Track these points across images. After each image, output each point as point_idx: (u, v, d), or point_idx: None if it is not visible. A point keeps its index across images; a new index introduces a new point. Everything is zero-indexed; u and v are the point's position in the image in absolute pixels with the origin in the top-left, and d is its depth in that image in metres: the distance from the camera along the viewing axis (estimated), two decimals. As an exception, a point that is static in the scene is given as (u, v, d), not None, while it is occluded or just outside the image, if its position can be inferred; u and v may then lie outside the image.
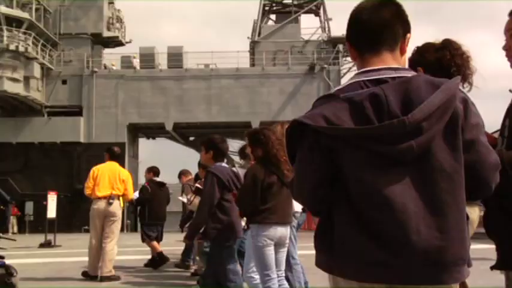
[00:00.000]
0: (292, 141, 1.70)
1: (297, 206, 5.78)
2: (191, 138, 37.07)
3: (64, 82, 33.13)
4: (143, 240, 10.26)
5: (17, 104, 31.88)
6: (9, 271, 6.30)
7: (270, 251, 4.75)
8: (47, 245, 16.45)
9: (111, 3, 35.75)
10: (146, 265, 10.03)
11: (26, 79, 31.16)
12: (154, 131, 35.61)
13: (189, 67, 33.52)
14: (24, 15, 31.16)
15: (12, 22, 30.56)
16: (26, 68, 31.09)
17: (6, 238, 6.88)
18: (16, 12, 30.98)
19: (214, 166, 5.37)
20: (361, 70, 1.72)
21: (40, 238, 17.15)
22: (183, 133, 35.56)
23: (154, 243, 10.10)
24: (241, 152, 5.39)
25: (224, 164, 5.38)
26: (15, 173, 31.07)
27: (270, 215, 4.74)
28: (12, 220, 29.66)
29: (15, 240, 7.31)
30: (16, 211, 29.81)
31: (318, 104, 1.69)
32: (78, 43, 33.98)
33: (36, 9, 32.96)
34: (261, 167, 4.81)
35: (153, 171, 10.72)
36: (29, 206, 29.03)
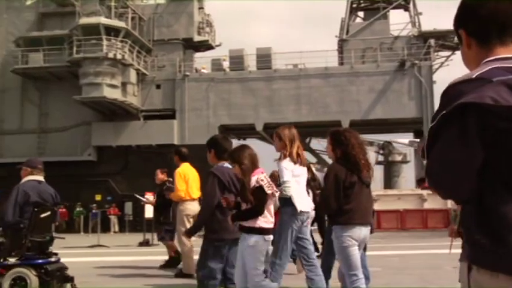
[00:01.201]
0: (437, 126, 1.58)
1: (310, 205, 6.01)
2: (281, 138, 37.30)
3: (158, 87, 34.44)
4: (163, 240, 10.55)
5: (115, 108, 33.54)
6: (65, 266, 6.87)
7: (355, 251, 4.80)
8: (145, 243, 17.20)
9: (201, 8, 36.74)
10: (163, 266, 10.15)
11: (123, 85, 32.72)
12: (244, 131, 36.17)
13: (277, 68, 33.81)
14: (121, 24, 32.70)
15: (111, 32, 32.15)
16: (123, 74, 32.64)
17: (59, 237, 7.40)
18: (114, 22, 32.56)
19: (216, 167, 5.55)
20: (497, 57, 1.63)
21: (139, 237, 17.97)
22: (273, 133, 35.85)
23: (174, 244, 10.39)
24: (231, 155, 5.07)
25: (227, 165, 5.42)
26: (115, 175, 32.70)
27: (353, 215, 4.78)
28: (113, 220, 31.27)
29: (63, 238, 7.76)
30: (116, 211, 31.39)
31: (468, 88, 1.55)
32: (171, 48, 35.18)
33: (132, 18, 34.49)
34: (341, 166, 4.85)
35: (166, 172, 11.03)
36: (128, 207, 30.45)
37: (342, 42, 34.95)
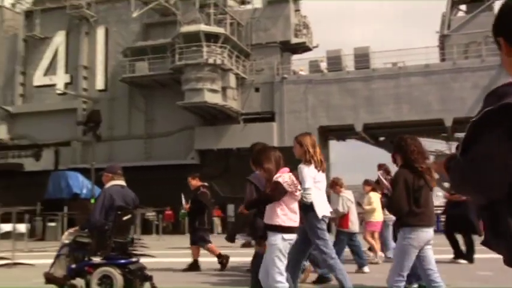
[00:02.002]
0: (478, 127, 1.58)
1: (327, 209, 6.26)
2: (381, 139, 36.71)
3: (257, 90, 35.01)
4: (196, 244, 10.57)
5: (216, 113, 34.50)
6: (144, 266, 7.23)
7: (415, 254, 4.94)
8: (247, 245, 17.58)
9: (297, 10, 36.95)
10: (187, 270, 10.17)
11: (224, 89, 33.58)
12: (343, 132, 35.92)
13: (376, 67, 33.29)
14: (220, 30, 33.61)
15: (210, 38, 33.13)
16: (223, 79, 33.51)
17: (138, 239, 7.75)
18: (213, 29, 33.53)
19: (253, 174, 5.70)
20: None
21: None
22: (372, 134, 35.37)
23: (213, 246, 10.44)
24: (253, 159, 5.20)
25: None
26: (217, 178, 33.59)
27: (423, 217, 4.95)
28: (216, 221, 32.17)
29: (142, 240, 8.09)
30: (219, 213, 32.24)
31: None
32: (268, 52, 35.64)
33: (230, 24, 35.34)
34: (408, 171, 4.99)
35: (198, 177, 10.99)
36: (231, 208, 31.12)
37: (443, 38, 33.80)
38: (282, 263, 4.86)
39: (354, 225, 9.79)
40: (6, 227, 16.44)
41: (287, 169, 5.03)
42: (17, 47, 40.10)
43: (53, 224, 23.88)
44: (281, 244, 4.83)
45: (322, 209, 6.13)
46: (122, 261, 7.01)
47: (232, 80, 33.95)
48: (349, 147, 72.80)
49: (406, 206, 4.92)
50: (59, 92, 38.62)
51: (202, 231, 10.63)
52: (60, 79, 39.13)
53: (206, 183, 11.12)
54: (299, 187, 5.00)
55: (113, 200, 7.16)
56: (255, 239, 5.86)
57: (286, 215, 4.85)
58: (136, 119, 37.08)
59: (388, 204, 5.32)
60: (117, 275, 6.83)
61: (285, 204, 4.86)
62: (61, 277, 7.06)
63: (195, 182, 10.96)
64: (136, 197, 7.62)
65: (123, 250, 7.15)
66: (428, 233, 4.98)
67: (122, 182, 7.52)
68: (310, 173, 5.94)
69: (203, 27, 33.23)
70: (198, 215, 10.69)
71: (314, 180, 6.00)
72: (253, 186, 5.72)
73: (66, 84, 38.88)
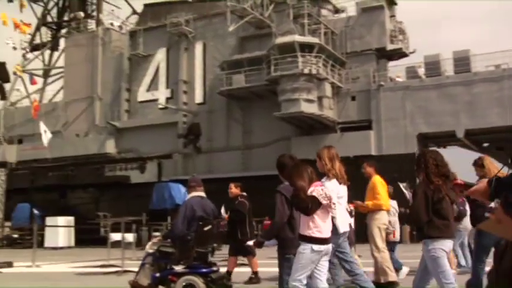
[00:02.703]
0: None
1: (348, 224, 6.56)
2: (485, 145, 35.17)
3: (353, 98, 34.70)
4: (245, 256, 10.44)
5: (312, 122, 34.57)
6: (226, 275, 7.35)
7: (446, 261, 5.20)
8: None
9: (392, 16, 36.35)
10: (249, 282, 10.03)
11: (319, 99, 33.59)
12: (444, 139, 34.77)
13: (477, 70, 32.00)
14: (315, 40, 33.73)
15: (305, 48, 33.32)
16: (319, 88, 33.54)
17: (218, 249, 7.91)
18: (308, 39, 33.72)
19: (282, 186, 5.92)
20: None
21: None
22: (476, 140, 33.96)
23: (256, 260, 10.25)
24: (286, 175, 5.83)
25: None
26: (315, 187, 33.59)
27: (444, 229, 5.16)
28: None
29: (220, 249, 8.24)
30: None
31: None
32: (364, 59, 35.27)
33: (325, 33, 35.35)
34: (428, 183, 5.23)
35: (240, 186, 10.80)
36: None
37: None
38: (304, 272, 5.14)
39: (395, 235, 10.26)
40: (116, 237, 17.39)
41: (319, 183, 5.34)
42: (123, 66, 42.34)
43: (157, 233, 24.92)
44: (310, 254, 5.11)
45: (343, 224, 6.50)
46: (204, 270, 7.24)
47: (328, 89, 33.88)
48: (449, 153, 69.82)
49: (424, 216, 5.11)
50: (160, 106, 40.31)
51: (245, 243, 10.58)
52: (162, 94, 40.85)
53: (245, 193, 11.12)
54: (333, 200, 5.25)
55: (194, 211, 7.44)
56: (280, 249, 6.09)
57: (318, 227, 5.13)
58: (234, 131, 37.92)
59: (408, 214, 5.64)
60: (200, 284, 7.07)
61: (318, 217, 5.12)
62: (146, 285, 7.42)
63: (235, 191, 10.98)
64: (216, 208, 7.90)
65: (204, 259, 7.40)
66: (450, 243, 5.20)
67: (202, 194, 7.81)
68: (333, 188, 6.02)
69: (298, 37, 33.49)
70: (238, 225, 10.58)
71: (337, 195, 6.13)
72: (283, 198, 5.86)
73: (167, 99, 40.51)
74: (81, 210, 37.40)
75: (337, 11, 39.02)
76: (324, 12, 37.24)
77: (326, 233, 5.17)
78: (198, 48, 39.91)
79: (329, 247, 5.25)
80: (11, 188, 38.98)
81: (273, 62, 33.53)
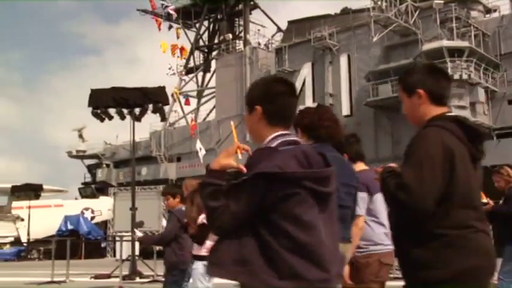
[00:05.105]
0: None
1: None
2: None
3: (510, 102, 32.70)
4: None
5: (466, 130, 33.01)
6: None
7: None
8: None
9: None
10: None
11: (472, 105, 32.10)
12: None
13: None
14: (464, 44, 32.34)
15: (454, 53, 32.09)
16: (471, 94, 32.06)
17: None
18: (456, 43, 32.44)
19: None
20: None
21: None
22: None
23: None
24: None
25: None
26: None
27: None
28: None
29: None
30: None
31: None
32: (520, 61, 33.12)
33: (475, 36, 33.75)
34: None
35: None
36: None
37: None
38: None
39: None
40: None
41: None
42: (270, 82, 43.67)
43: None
44: (202, 269, 5.81)
45: None
46: None
47: (481, 94, 32.26)
48: None
49: None
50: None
51: None
52: (309, 108, 41.48)
53: None
54: None
55: None
56: None
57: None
58: (382, 142, 37.39)
59: None
60: None
61: None
62: None
63: None
64: None
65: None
66: None
67: None
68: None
69: (446, 42, 32.35)
70: None
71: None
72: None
73: (315, 113, 41.01)
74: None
75: (488, 11, 37.07)
76: (473, 13, 35.52)
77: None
78: (343, 60, 40.03)
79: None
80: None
81: (421, 70, 32.60)
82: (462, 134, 2.57)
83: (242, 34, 52.40)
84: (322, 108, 3.99)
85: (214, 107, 50.43)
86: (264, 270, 2.16)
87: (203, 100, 55.26)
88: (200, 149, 38.03)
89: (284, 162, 2.20)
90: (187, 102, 53.26)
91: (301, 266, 2.16)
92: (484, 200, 7.15)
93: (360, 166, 4.87)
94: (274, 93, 2.40)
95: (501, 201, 7.11)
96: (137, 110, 18.24)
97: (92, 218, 38.25)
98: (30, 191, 44.88)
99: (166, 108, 51.60)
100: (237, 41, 51.42)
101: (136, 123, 18.33)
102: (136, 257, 17.43)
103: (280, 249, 2.18)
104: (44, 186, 47.26)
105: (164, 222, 13.88)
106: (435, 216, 2.45)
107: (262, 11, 54.48)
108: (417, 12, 35.97)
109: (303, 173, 2.22)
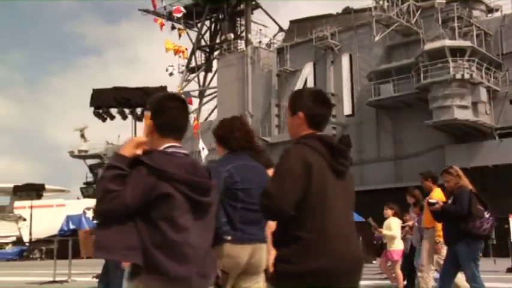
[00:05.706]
0: None
1: None
2: None
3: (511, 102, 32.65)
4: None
5: (467, 129, 32.98)
6: None
7: None
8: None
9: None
10: None
11: (474, 104, 32.04)
12: None
13: None
14: (466, 43, 32.28)
15: (456, 52, 32.03)
16: (473, 93, 32.00)
17: None
18: (458, 43, 32.38)
19: None
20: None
21: (506, 262, 17.32)
22: None
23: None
24: None
25: None
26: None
27: None
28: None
29: None
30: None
31: None
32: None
33: (477, 35, 33.69)
34: None
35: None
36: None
37: None
38: None
39: None
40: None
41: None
42: (271, 82, 43.72)
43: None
44: None
45: None
46: None
47: (483, 94, 32.20)
48: None
49: None
50: (310, 120, 40.89)
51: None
52: (311, 108, 41.46)
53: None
54: None
55: None
56: None
57: None
58: (384, 141, 37.36)
59: None
60: None
61: None
62: None
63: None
64: None
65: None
66: None
67: None
68: None
69: (448, 42, 32.30)
70: None
71: None
72: None
73: (316, 112, 40.99)
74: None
75: (490, 10, 37.02)
76: (475, 13, 35.45)
77: None
78: (345, 60, 40.01)
79: None
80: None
81: (423, 69, 32.62)
82: (325, 150, 2.92)
83: (244, 34, 52.38)
84: (236, 120, 4.45)
85: (216, 106, 50.42)
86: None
87: (205, 100, 55.28)
88: (203, 149, 37.96)
89: (169, 165, 2.53)
90: (189, 102, 53.24)
91: (166, 264, 2.45)
92: (433, 200, 7.23)
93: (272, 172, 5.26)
94: (165, 107, 2.77)
95: (450, 201, 7.09)
96: (139, 110, 18.27)
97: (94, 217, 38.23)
98: (32, 190, 44.98)
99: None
100: (239, 41, 51.41)
101: (138, 122, 18.35)
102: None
103: (151, 247, 2.47)
104: (46, 186, 47.36)
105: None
106: (295, 222, 2.84)
107: (264, 10, 54.46)
108: (419, 11, 35.91)
109: (182, 177, 2.53)
